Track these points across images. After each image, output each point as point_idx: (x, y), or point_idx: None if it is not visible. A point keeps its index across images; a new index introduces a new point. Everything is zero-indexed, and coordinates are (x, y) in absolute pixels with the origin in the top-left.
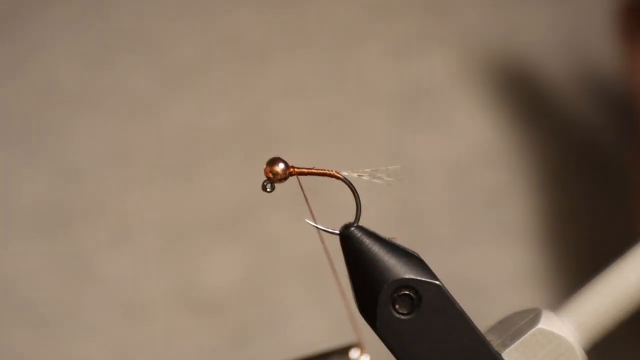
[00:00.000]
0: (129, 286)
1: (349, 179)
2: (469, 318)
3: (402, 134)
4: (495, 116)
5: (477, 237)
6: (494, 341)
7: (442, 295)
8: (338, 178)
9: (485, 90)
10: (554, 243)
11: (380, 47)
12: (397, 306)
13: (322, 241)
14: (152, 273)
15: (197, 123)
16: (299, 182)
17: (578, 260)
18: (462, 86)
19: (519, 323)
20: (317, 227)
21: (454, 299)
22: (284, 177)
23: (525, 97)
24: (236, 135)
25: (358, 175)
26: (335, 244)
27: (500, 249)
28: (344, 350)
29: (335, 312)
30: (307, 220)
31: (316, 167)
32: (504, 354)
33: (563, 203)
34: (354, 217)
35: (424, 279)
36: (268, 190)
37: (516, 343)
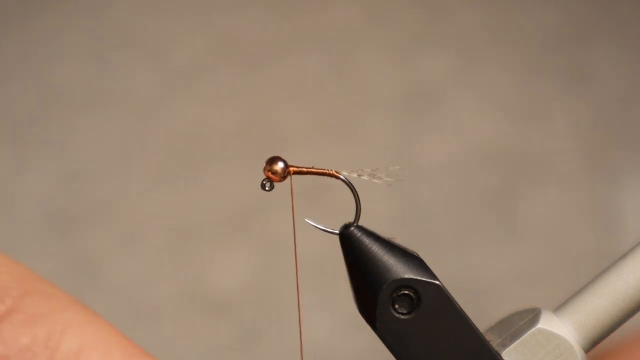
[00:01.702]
0: (138, 287)
1: (348, 178)
2: (468, 318)
3: (406, 134)
4: (497, 117)
5: (481, 236)
6: (493, 341)
7: (441, 295)
8: (337, 178)
9: (487, 90)
10: (556, 242)
11: (383, 50)
12: (396, 306)
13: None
14: (161, 274)
15: (202, 124)
16: (291, 184)
17: (580, 259)
18: (464, 87)
19: (519, 323)
20: (316, 227)
21: (453, 298)
22: (283, 176)
23: (528, 95)
24: (241, 136)
25: (358, 175)
26: (335, 244)
27: (503, 248)
28: None
29: (341, 312)
30: (306, 220)
31: (315, 167)
32: (504, 354)
33: (566, 202)
34: (354, 217)
35: (423, 279)
36: (267, 189)
37: (516, 343)
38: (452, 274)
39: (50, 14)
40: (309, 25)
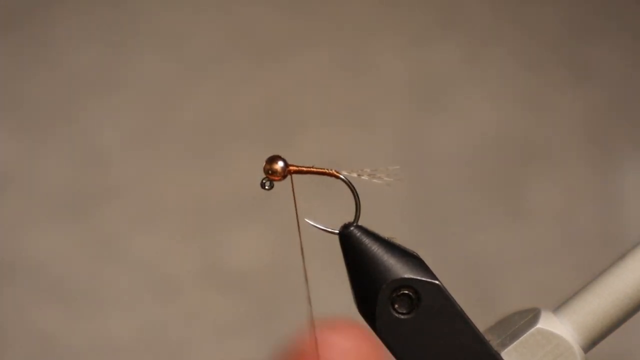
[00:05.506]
0: (156, 265)
1: (348, 178)
2: (468, 318)
3: (416, 122)
4: (505, 105)
5: (490, 219)
6: (493, 341)
7: (441, 294)
8: (337, 177)
9: (495, 80)
10: (562, 225)
11: (395, 38)
12: (396, 306)
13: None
14: (179, 252)
15: (218, 109)
16: (292, 184)
17: (585, 242)
18: (473, 77)
19: (518, 323)
20: (316, 227)
21: (453, 298)
22: (283, 176)
23: (535, 83)
24: (257, 121)
25: (358, 175)
26: (335, 244)
27: (512, 231)
28: None
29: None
30: (306, 220)
31: (315, 166)
32: (503, 354)
33: (571, 187)
34: (354, 216)
35: (423, 279)
36: (266, 188)
37: (515, 343)
38: (462, 255)
39: (71, 2)
40: (323, 18)
